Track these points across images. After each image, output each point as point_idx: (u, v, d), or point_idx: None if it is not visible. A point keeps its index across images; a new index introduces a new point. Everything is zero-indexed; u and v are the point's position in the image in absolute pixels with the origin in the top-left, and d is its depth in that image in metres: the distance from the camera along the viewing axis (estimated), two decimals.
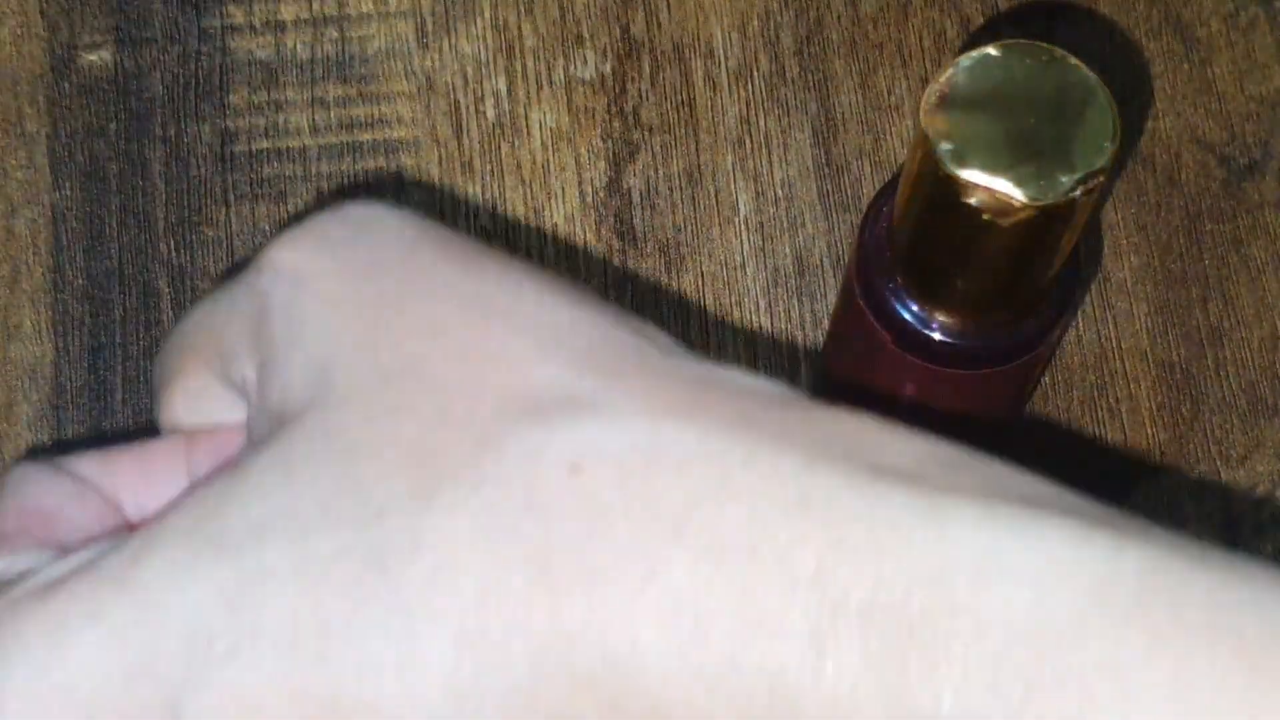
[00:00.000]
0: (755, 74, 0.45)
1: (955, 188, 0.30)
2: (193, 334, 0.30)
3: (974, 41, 0.45)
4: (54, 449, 0.41)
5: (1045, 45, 0.31)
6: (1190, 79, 0.45)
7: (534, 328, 0.26)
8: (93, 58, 0.44)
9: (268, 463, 0.26)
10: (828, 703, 0.23)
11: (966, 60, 0.31)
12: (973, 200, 0.30)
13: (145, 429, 0.33)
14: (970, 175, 0.30)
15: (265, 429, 0.27)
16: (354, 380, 0.26)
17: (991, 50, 0.31)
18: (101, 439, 0.41)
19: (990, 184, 0.30)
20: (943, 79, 0.31)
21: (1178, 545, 0.24)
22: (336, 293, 0.27)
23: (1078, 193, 0.30)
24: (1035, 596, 0.23)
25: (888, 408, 0.36)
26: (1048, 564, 0.23)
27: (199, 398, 0.30)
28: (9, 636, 0.25)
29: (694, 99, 0.44)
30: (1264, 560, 0.24)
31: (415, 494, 0.25)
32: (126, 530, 0.29)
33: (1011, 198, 0.30)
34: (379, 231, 0.28)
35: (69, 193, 0.43)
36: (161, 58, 0.44)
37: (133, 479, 0.30)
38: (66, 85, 0.44)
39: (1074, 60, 0.31)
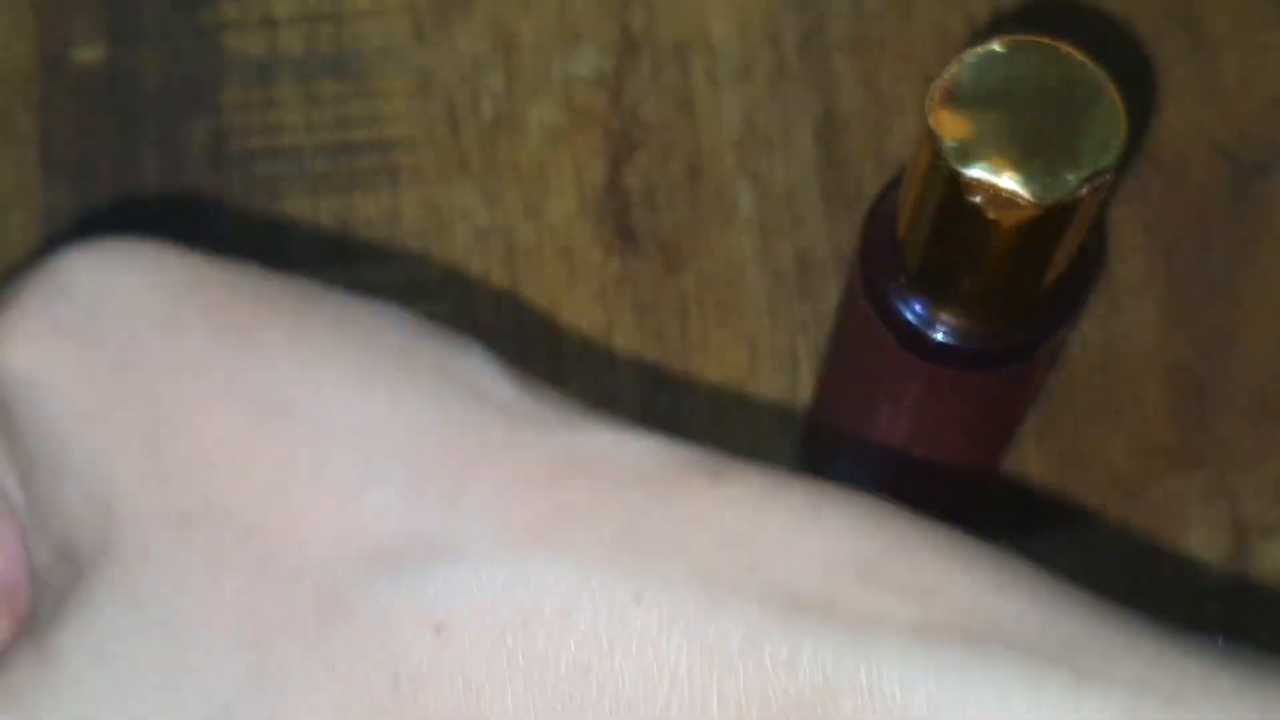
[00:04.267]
0: (756, 71, 0.44)
1: (960, 186, 0.30)
2: None
3: (979, 38, 0.45)
4: None
5: (1051, 41, 0.31)
6: (1198, 77, 0.45)
7: (349, 431, 0.22)
8: (85, 56, 0.44)
9: (78, 643, 0.22)
10: None
11: (971, 57, 0.31)
12: (978, 198, 0.30)
13: None
14: (975, 173, 0.30)
15: (58, 570, 0.23)
16: (146, 525, 0.22)
17: (997, 47, 0.31)
18: None
19: (995, 182, 0.30)
20: (947, 76, 0.30)
21: (1151, 677, 0.20)
22: (92, 402, 0.23)
23: (1084, 191, 0.30)
24: None
25: (891, 410, 0.36)
26: (996, 718, 0.20)
27: None
28: None
29: (694, 97, 0.44)
30: (1251, 665, 0.20)
31: (260, 677, 0.21)
32: None
33: (1017, 196, 0.30)
34: (119, 303, 0.23)
35: (61, 192, 0.43)
36: (154, 56, 0.44)
37: None
38: (58, 84, 0.44)
39: (1080, 57, 0.31)
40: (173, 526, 0.22)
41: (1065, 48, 0.31)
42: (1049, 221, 0.30)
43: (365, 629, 0.21)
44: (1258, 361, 0.42)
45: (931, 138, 0.30)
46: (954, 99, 0.30)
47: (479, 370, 0.23)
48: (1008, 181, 0.30)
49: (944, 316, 0.33)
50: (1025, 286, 0.33)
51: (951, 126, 0.30)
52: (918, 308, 0.33)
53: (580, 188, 0.43)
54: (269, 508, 0.22)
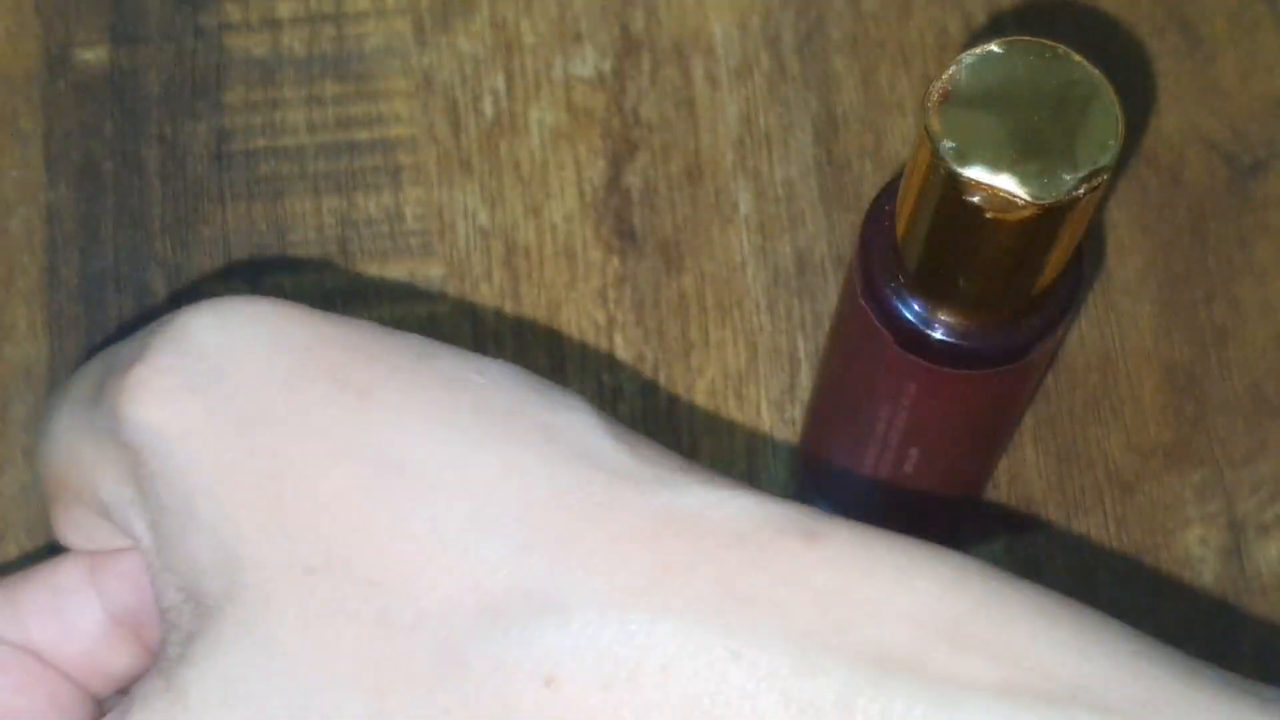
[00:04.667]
0: (755, 72, 0.44)
1: (958, 186, 0.30)
2: (62, 466, 0.26)
3: (976, 39, 0.45)
4: None
5: (1048, 42, 0.31)
6: (1194, 77, 0.45)
7: (462, 490, 0.23)
8: (88, 56, 0.44)
9: (208, 684, 0.23)
10: None
11: (969, 58, 0.31)
12: (975, 199, 0.30)
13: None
14: (973, 173, 0.30)
15: (184, 610, 0.24)
16: (271, 573, 0.23)
17: (994, 47, 0.31)
18: None
19: (993, 182, 0.30)
20: (945, 76, 0.31)
21: None
22: (218, 456, 0.24)
23: (1081, 191, 0.30)
24: None
25: (889, 409, 0.36)
26: None
27: (89, 529, 0.27)
28: None
29: (694, 97, 0.44)
30: None
31: None
32: (50, 673, 0.27)
33: (1015, 196, 0.30)
34: (244, 362, 0.24)
35: (64, 192, 0.43)
36: (157, 56, 0.44)
37: (45, 621, 0.27)
38: (61, 84, 0.44)
39: (1077, 57, 0.31)
40: (296, 577, 0.23)
41: (1062, 48, 0.31)
42: (1047, 221, 0.30)
43: (478, 680, 0.22)
44: (1254, 360, 0.42)
45: (930, 138, 0.30)
46: (952, 99, 0.30)
47: (583, 428, 0.24)
48: (1006, 182, 0.30)
49: (942, 316, 0.33)
50: (1023, 286, 0.33)
51: (949, 127, 0.30)
52: (916, 307, 0.34)
53: (580, 187, 0.43)
54: (386, 562, 0.23)
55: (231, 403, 0.24)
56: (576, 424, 0.24)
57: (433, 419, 0.24)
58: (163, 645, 0.24)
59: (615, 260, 0.43)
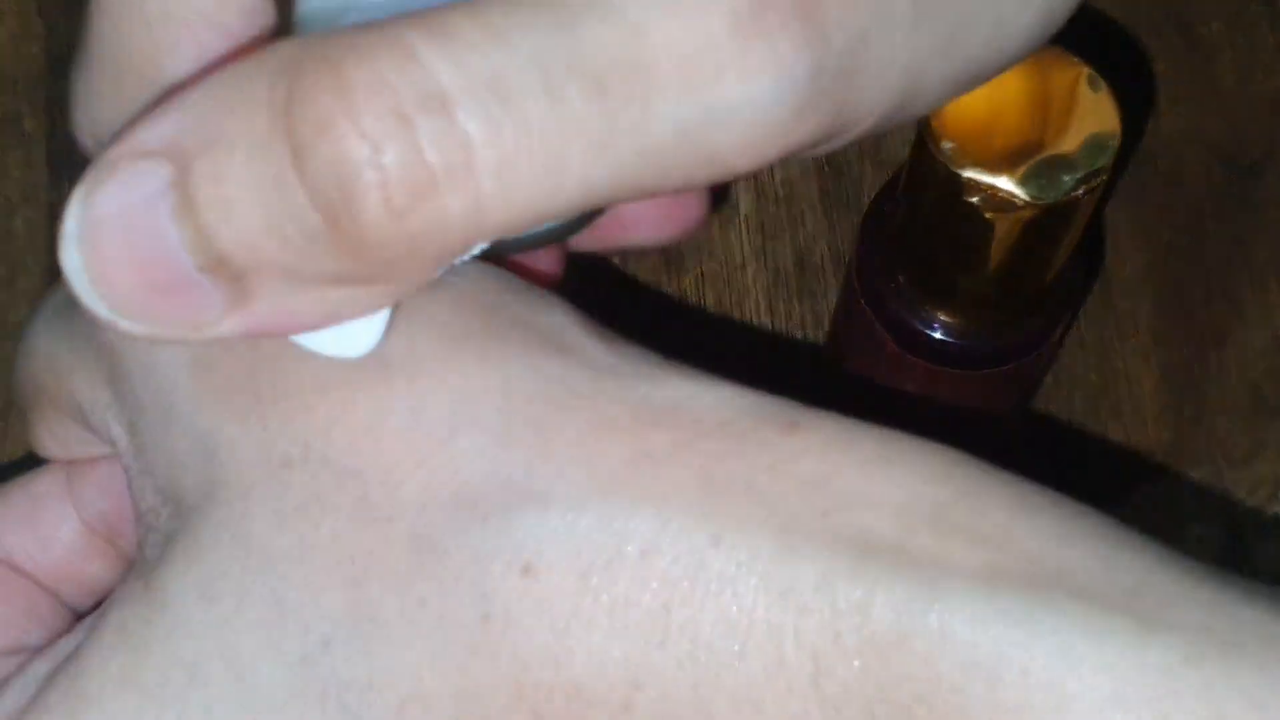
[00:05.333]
0: None
1: (957, 187, 0.30)
2: (40, 372, 0.26)
3: None
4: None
5: (1048, 44, 0.31)
6: (1193, 78, 0.45)
7: (441, 382, 0.23)
8: None
9: (185, 582, 0.23)
10: None
11: None
12: (974, 199, 0.30)
13: None
14: (972, 174, 0.30)
15: (163, 512, 0.24)
16: (247, 466, 0.23)
17: None
18: None
19: (992, 183, 0.30)
20: None
21: (1212, 624, 0.21)
22: (196, 354, 0.24)
23: (1080, 192, 0.30)
24: (1055, 701, 0.20)
25: (888, 408, 0.36)
26: (1062, 664, 0.21)
27: (66, 438, 0.27)
28: None
29: None
30: None
31: (356, 614, 0.22)
32: (26, 583, 0.27)
33: (1014, 197, 0.30)
34: None
35: (67, 192, 0.43)
36: None
37: (21, 531, 0.27)
38: (64, 85, 0.44)
39: (1077, 59, 0.31)
40: (274, 470, 0.23)
41: (1061, 50, 0.31)
42: (1046, 221, 0.30)
43: (456, 569, 0.22)
44: (1252, 360, 0.42)
45: (929, 139, 0.30)
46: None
47: (562, 324, 0.24)
48: (1005, 182, 0.30)
49: (941, 316, 0.34)
50: (1022, 286, 0.33)
51: (949, 128, 0.30)
52: (915, 307, 0.34)
53: None
54: (364, 454, 0.22)
55: None
56: (556, 320, 0.24)
57: (410, 313, 0.23)
58: (140, 548, 0.24)
59: (615, 261, 0.43)
